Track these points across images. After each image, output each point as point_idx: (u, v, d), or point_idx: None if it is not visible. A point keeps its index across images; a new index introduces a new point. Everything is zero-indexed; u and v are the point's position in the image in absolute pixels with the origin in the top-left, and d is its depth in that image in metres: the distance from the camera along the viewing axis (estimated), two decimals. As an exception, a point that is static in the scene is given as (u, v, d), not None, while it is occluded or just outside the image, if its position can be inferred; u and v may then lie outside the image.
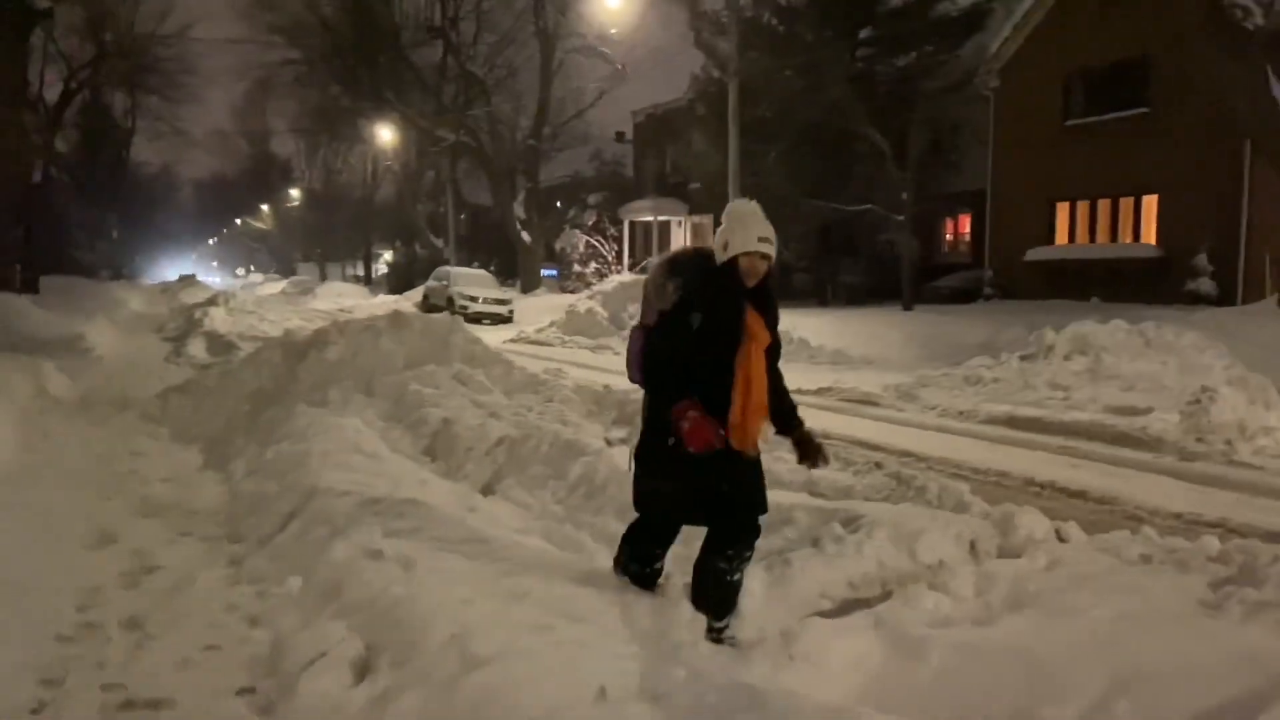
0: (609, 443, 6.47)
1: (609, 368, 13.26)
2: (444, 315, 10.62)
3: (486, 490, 5.45)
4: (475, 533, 4.14)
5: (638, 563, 3.59)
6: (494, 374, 8.09)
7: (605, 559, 4.12)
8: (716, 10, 25.78)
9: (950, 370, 10.60)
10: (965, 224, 29.04)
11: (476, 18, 37.13)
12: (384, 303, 31.45)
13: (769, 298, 3.43)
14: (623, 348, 17.88)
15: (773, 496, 3.60)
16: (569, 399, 7.65)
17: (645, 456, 3.46)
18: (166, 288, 36.25)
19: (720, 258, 3.38)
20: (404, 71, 37.20)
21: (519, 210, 35.31)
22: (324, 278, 56.58)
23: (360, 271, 58.12)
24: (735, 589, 3.36)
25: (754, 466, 3.40)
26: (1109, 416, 7.72)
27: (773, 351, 3.45)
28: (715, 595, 3.33)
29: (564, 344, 18.59)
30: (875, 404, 9.33)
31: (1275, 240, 18.11)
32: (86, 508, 5.31)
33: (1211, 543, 3.61)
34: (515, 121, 37.91)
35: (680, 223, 37.19)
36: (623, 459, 5.70)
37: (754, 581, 3.48)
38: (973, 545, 3.79)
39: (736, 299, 3.32)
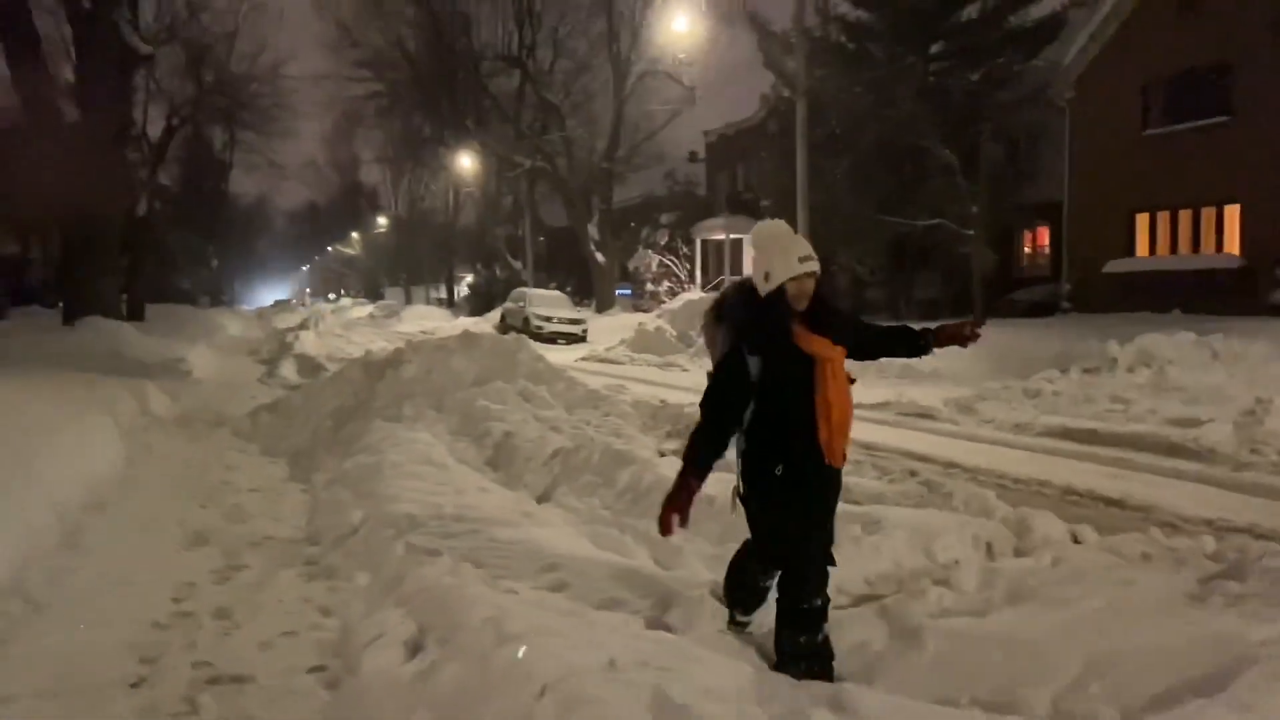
0: (661, 454, 6.83)
1: (674, 384, 13.59)
2: (512, 334, 11.10)
3: (543, 498, 5.83)
4: (525, 535, 4.51)
5: (746, 590, 3.53)
6: (556, 390, 8.50)
7: (644, 558, 4.44)
8: (785, 30, 26.07)
9: (1012, 384, 10.64)
10: (1044, 236, 28.60)
11: (553, 45, 38.12)
12: (464, 325, 32.38)
13: (825, 311, 3.32)
14: (691, 364, 18.31)
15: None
16: (626, 413, 8.01)
17: (757, 492, 3.33)
18: (262, 312, 37.88)
19: (764, 289, 3.23)
20: (483, 100, 38.39)
21: (593, 231, 35.99)
22: (409, 301, 58.29)
23: (443, 294, 59.70)
24: (765, 592, 3.45)
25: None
26: (1164, 428, 7.73)
27: (860, 333, 3.45)
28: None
29: (633, 361, 18.99)
30: (932, 417, 9.44)
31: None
32: (182, 514, 5.85)
33: (1209, 541, 3.75)
34: (590, 145, 38.74)
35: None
36: (671, 468, 6.03)
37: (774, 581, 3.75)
38: (989, 546, 4.00)
39: (787, 335, 3.21)
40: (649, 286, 37.43)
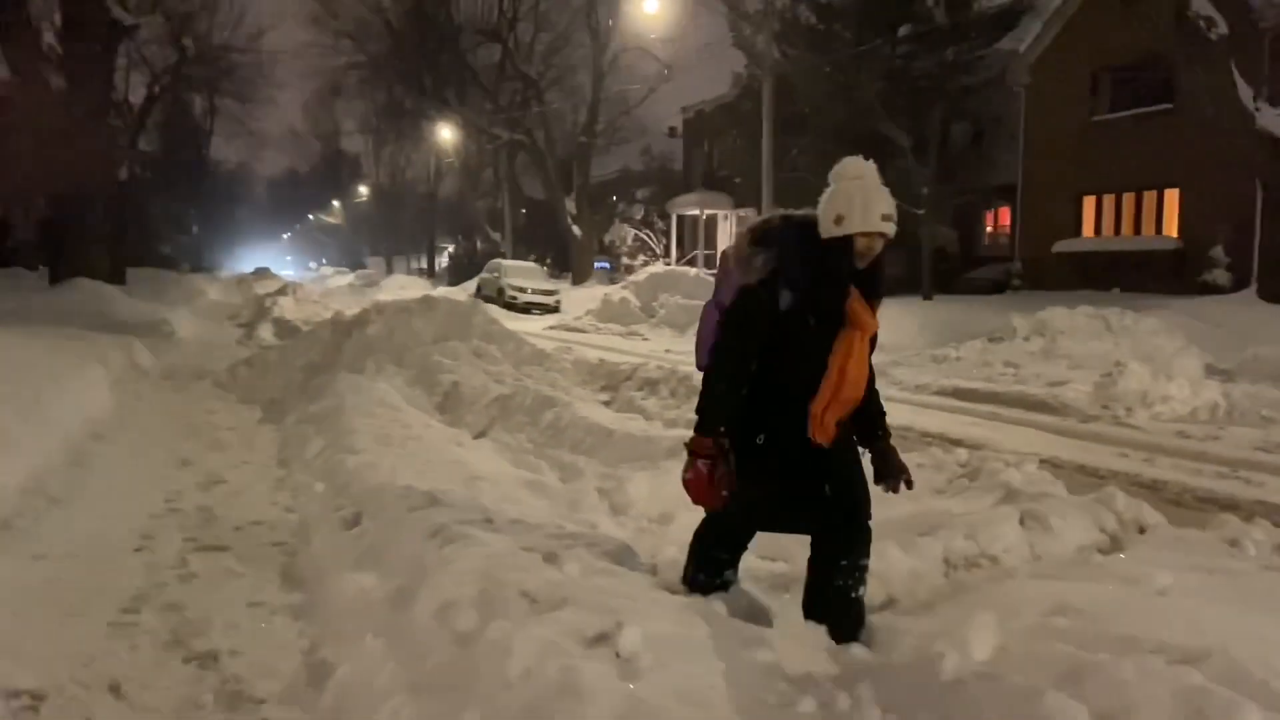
0: (606, 406, 7.91)
1: (627, 350, 14.60)
2: (468, 299, 12.02)
3: (480, 435, 6.82)
4: (455, 455, 5.51)
5: (705, 572, 3.16)
6: (506, 349, 9.48)
7: (550, 476, 5.44)
8: (756, 9, 26.84)
9: (929, 351, 11.68)
10: (1005, 217, 29.62)
11: (534, 18, 38.73)
12: (443, 294, 33.20)
13: (878, 281, 2.98)
14: (652, 334, 19.33)
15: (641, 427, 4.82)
16: (565, 369, 9.02)
17: (739, 463, 2.96)
18: (242, 279, 38.60)
19: (829, 231, 2.85)
20: (463, 73, 39.00)
21: (570, 205, 36.79)
22: (390, 271, 58.96)
23: (424, 264, 60.39)
24: (861, 605, 3.01)
25: (856, 463, 3.05)
26: (1039, 388, 8.80)
27: (872, 344, 3.04)
28: (845, 619, 2.95)
29: (597, 330, 19.99)
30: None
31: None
32: (170, 444, 6.82)
33: (962, 454, 4.78)
34: (568, 119, 39.48)
35: (726, 216, 38.31)
36: (592, 411, 7.05)
37: (641, 486, 4.76)
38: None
39: (842, 282, 2.88)
40: (624, 260, 38.37)
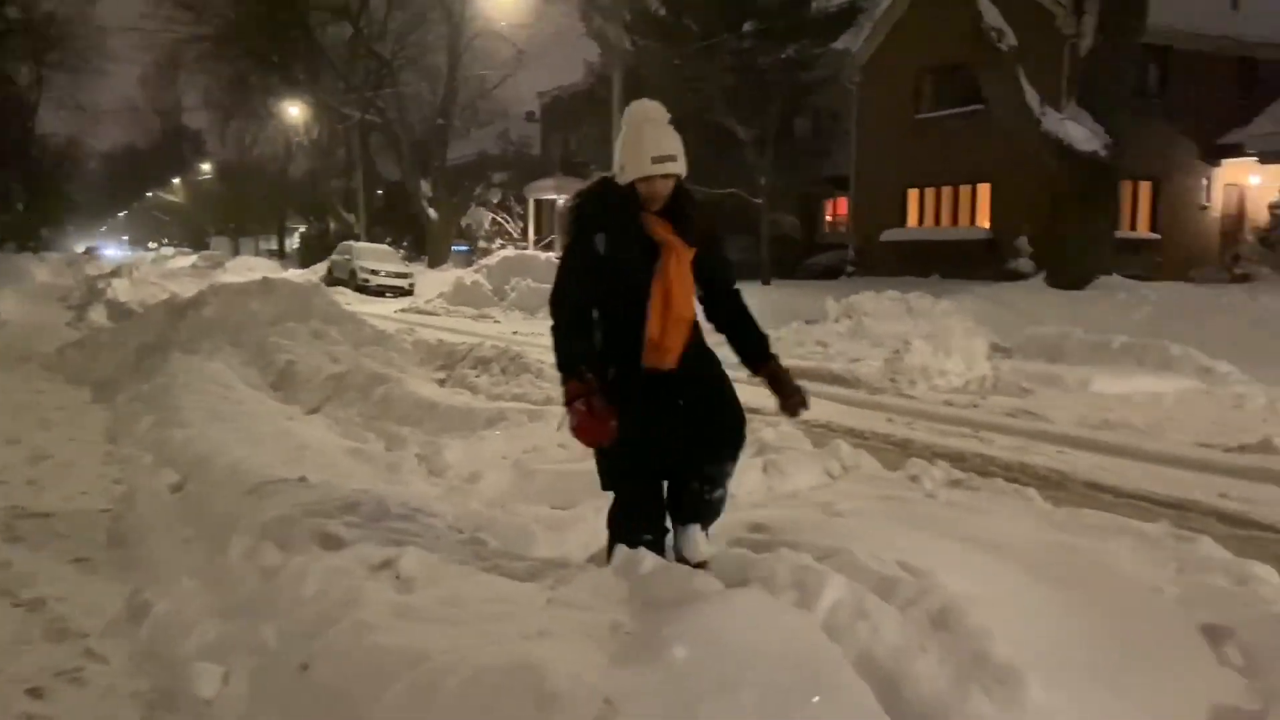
0: (440, 384, 8.37)
1: (473, 331, 14.97)
2: (308, 281, 12.18)
3: (313, 410, 7.16)
4: (284, 428, 5.88)
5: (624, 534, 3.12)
6: (346, 330, 9.78)
7: (375, 444, 5.89)
8: (607, -1, 27.40)
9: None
10: (843, 207, 31.28)
11: (387, -1, 38.10)
12: (288, 276, 32.50)
13: (686, 215, 3.07)
14: (503, 317, 19.73)
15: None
16: (405, 350, 9.40)
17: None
18: (72, 260, 36.67)
19: (619, 179, 3.04)
20: (313, 50, 38.05)
21: (426, 188, 36.53)
22: (236, 252, 56.85)
23: (274, 246, 58.49)
24: (714, 504, 3.13)
25: (715, 380, 3.14)
26: (839, 364, 9.76)
27: (718, 274, 3.18)
28: (700, 513, 3.11)
29: (448, 313, 20.25)
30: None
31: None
32: (-5, 423, 6.88)
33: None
34: (424, 100, 39.07)
35: (583, 201, 38.80)
36: (422, 387, 7.50)
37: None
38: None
39: (634, 217, 3.01)
40: (482, 243, 38.38)
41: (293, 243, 56.19)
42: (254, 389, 7.54)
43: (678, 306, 3.02)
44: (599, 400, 2.97)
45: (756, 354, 3.25)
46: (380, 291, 27.28)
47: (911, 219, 25.09)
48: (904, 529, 3.26)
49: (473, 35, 35.94)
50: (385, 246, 33.79)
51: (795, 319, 14.55)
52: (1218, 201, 21.86)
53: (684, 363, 3.07)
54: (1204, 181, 21.59)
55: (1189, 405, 8.80)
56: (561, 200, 39.07)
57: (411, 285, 28.26)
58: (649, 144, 3.00)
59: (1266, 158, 18.03)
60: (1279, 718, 2.33)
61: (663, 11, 28.51)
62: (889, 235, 24.69)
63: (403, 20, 38.51)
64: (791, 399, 3.20)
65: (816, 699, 1.95)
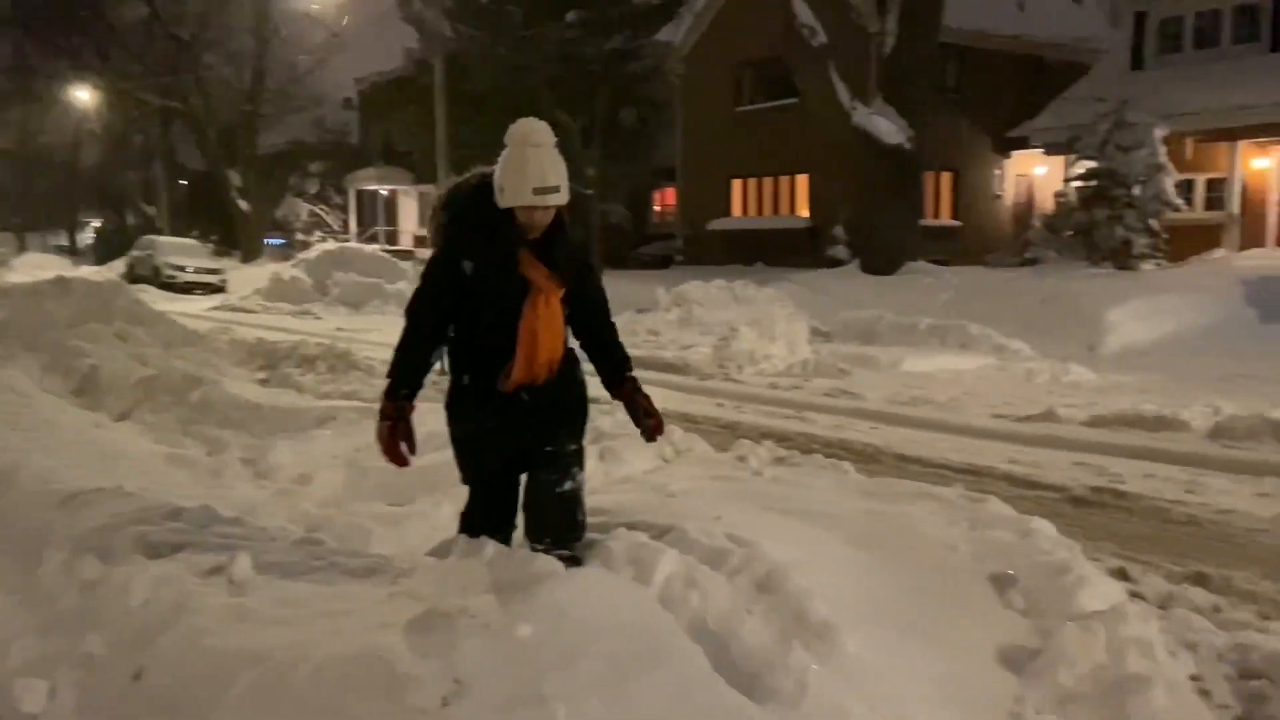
0: (263, 384, 8.07)
1: (297, 329, 14.44)
2: (110, 280, 11.45)
3: (123, 417, 6.78)
4: (92, 436, 5.56)
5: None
6: (156, 331, 9.24)
7: (195, 449, 5.65)
8: (426, -17, 26.81)
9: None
10: (672, 197, 31.91)
11: (186, -24, 35.86)
12: (88, 274, 30.23)
13: (559, 246, 3.00)
14: (325, 312, 19.09)
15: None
16: (221, 350, 8.99)
17: (450, 404, 3.15)
18: None
19: (499, 200, 2.91)
20: (104, 31, 35.40)
21: (236, 178, 34.76)
22: (23, 248, 52.24)
23: (65, 242, 54.12)
24: (568, 507, 3.06)
25: (566, 407, 3.12)
26: (671, 352, 10.06)
27: (589, 307, 3.16)
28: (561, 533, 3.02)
29: (266, 310, 19.40)
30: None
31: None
32: None
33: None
34: (231, 86, 37.06)
35: (408, 192, 37.95)
36: (244, 389, 7.23)
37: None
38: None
39: (509, 251, 2.92)
40: (299, 236, 36.88)
41: (86, 238, 52.19)
42: (55, 396, 7.06)
43: (545, 350, 2.98)
44: (403, 429, 3.06)
45: (616, 379, 3.27)
46: (188, 289, 25.82)
47: (736, 209, 25.89)
48: (732, 505, 3.47)
49: (281, 18, 34.40)
50: (192, 240, 31.96)
51: (627, 309, 14.82)
52: (1010, 190, 23.69)
53: (544, 390, 3.04)
54: (997, 172, 23.35)
55: (986, 380, 9.59)
56: (385, 191, 38.10)
57: (223, 281, 26.88)
58: (532, 172, 2.86)
59: (1050, 150, 19.67)
60: (1054, 650, 2.65)
61: (486, -1, 28.23)
62: (716, 225, 25.40)
63: (204, 0, 36.38)
64: (645, 423, 3.21)
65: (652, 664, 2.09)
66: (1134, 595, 3.23)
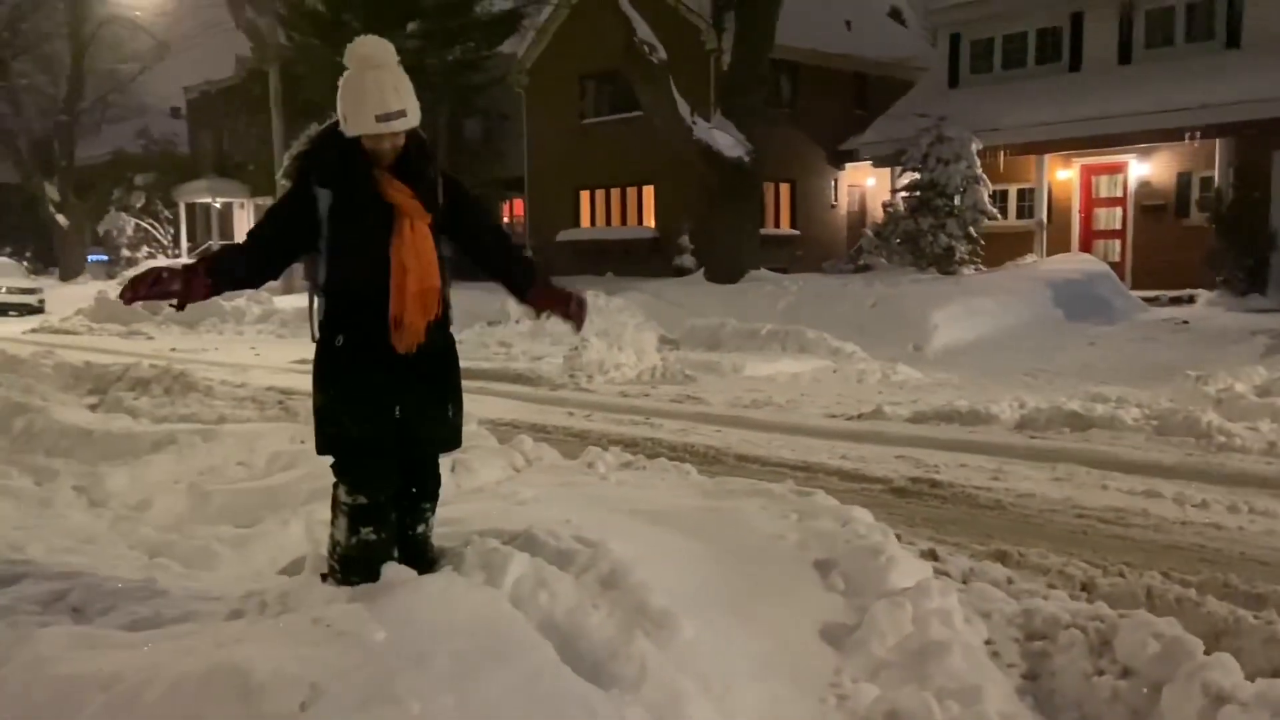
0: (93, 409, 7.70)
1: (127, 350, 13.76)
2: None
3: (-64, 450, 6.37)
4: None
5: (346, 564, 2.90)
6: (-31, 357, 8.70)
7: (21, 479, 5.40)
8: (257, -8, 25.97)
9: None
10: (520, 208, 31.88)
11: (-10, -24, 33.43)
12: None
13: (419, 167, 2.84)
14: (157, 332, 18.17)
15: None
16: (46, 375, 8.53)
17: (317, 370, 2.91)
18: None
19: (345, 130, 2.78)
20: (-106, 32, 32.60)
21: (53, 191, 32.63)
22: None
23: None
24: (424, 542, 3.05)
25: (443, 383, 2.98)
26: (522, 363, 10.20)
27: (471, 226, 2.98)
28: (417, 560, 2.94)
29: (92, 331, 18.34)
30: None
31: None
32: None
33: None
34: (44, 94, 34.76)
35: (243, 204, 36.50)
36: (73, 414, 6.92)
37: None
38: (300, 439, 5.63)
39: (363, 171, 2.77)
40: (125, 252, 34.86)
41: (-120, 256, 47.71)
42: None
43: (418, 279, 2.77)
44: (169, 280, 2.70)
45: (524, 281, 3.09)
46: (2, 310, 24.08)
47: (584, 219, 26.17)
48: (580, 509, 3.64)
49: (99, 23, 32.54)
50: (5, 259, 29.74)
51: (478, 321, 14.81)
52: (844, 200, 24.91)
53: (421, 347, 2.86)
54: (832, 183, 24.51)
55: (821, 382, 10.15)
56: (218, 204, 36.50)
57: (41, 302, 25.19)
58: (371, 98, 2.70)
59: (878, 162, 20.83)
60: (867, 625, 2.95)
61: (321, 7, 27.53)
62: (564, 235, 25.60)
63: (14, 3, 34.00)
64: (574, 307, 3.06)
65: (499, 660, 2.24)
66: (940, 573, 3.58)
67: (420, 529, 3.07)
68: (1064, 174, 19.37)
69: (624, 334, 10.52)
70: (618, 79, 23.52)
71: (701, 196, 18.74)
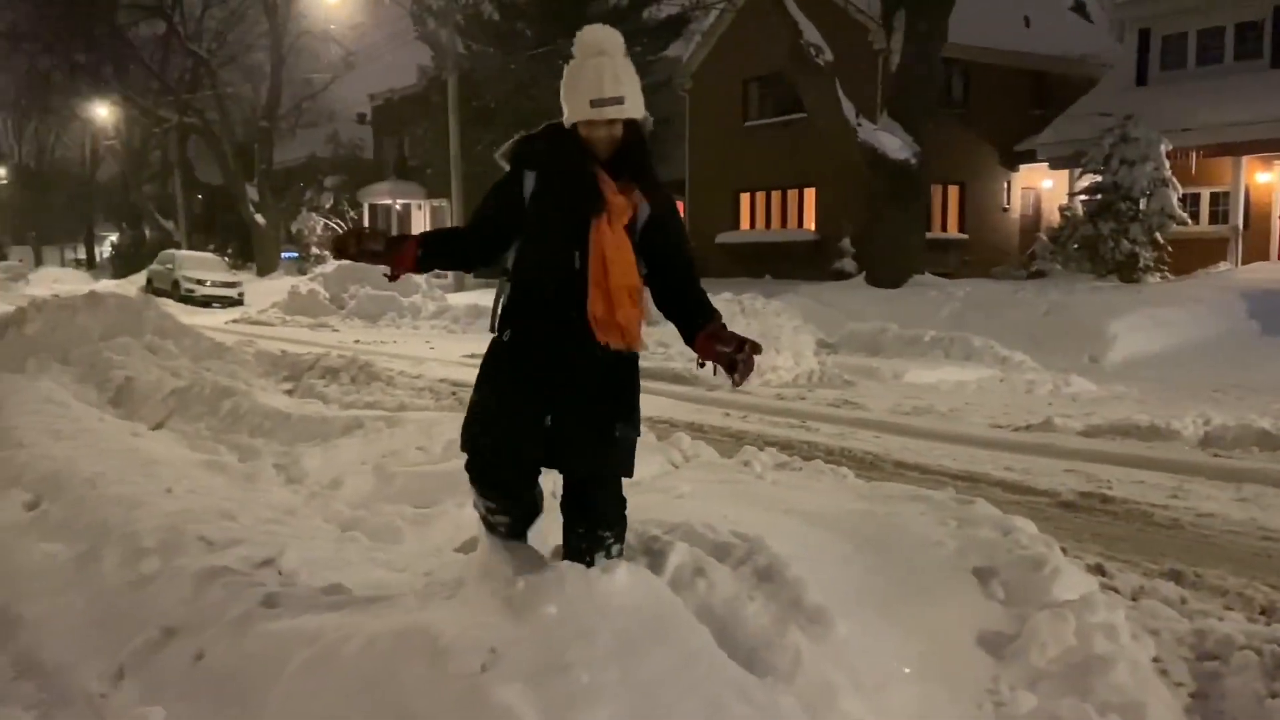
0: (289, 394, 8.40)
1: (313, 341, 14.79)
2: (139, 294, 11.80)
3: (158, 426, 7.09)
4: (131, 444, 5.88)
5: (482, 518, 2.99)
6: (184, 344, 9.59)
7: (228, 455, 5.96)
8: (439, 3, 27.27)
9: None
10: (681, 209, 32.02)
11: (204, -7, 36.49)
12: (109, 288, 30.73)
13: (635, 168, 2.71)
14: (342, 325, 19.42)
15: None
16: (247, 362, 9.33)
17: (482, 365, 2.85)
18: None
19: (565, 121, 2.71)
20: (122, 48, 36.02)
21: (252, 192, 35.28)
22: (39, 262, 52.96)
23: (81, 255, 54.83)
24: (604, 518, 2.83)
25: (608, 401, 2.77)
26: (680, 364, 10.35)
27: (665, 252, 2.79)
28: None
29: (284, 323, 19.79)
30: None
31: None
32: None
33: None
34: (248, 102, 37.66)
35: (420, 206, 38.43)
36: (272, 399, 7.55)
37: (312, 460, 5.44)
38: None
39: (582, 162, 2.65)
40: (314, 250, 37.33)
41: (104, 251, 52.85)
42: (91, 407, 7.37)
43: (616, 275, 2.63)
44: (381, 238, 2.73)
45: (695, 317, 2.85)
46: (206, 302, 26.28)
47: (744, 222, 26.21)
48: (737, 505, 3.75)
49: (297, 35, 34.97)
50: (210, 255, 32.44)
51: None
52: (1016, 203, 23.93)
53: (599, 352, 2.70)
54: (1005, 185, 23.60)
55: (987, 391, 9.84)
56: (398, 205, 38.55)
57: (241, 295, 27.34)
58: (589, 83, 2.61)
59: (1055, 164, 19.93)
60: (1028, 635, 2.92)
61: (496, 16, 28.66)
62: (723, 238, 25.69)
63: (221, 18, 37.05)
64: (737, 358, 2.71)
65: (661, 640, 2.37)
66: (1108, 588, 3.48)
67: (601, 558, 2.75)
68: (1264, 177, 17.99)
69: (781, 336, 10.52)
70: (781, 81, 23.39)
71: (865, 199, 18.46)
